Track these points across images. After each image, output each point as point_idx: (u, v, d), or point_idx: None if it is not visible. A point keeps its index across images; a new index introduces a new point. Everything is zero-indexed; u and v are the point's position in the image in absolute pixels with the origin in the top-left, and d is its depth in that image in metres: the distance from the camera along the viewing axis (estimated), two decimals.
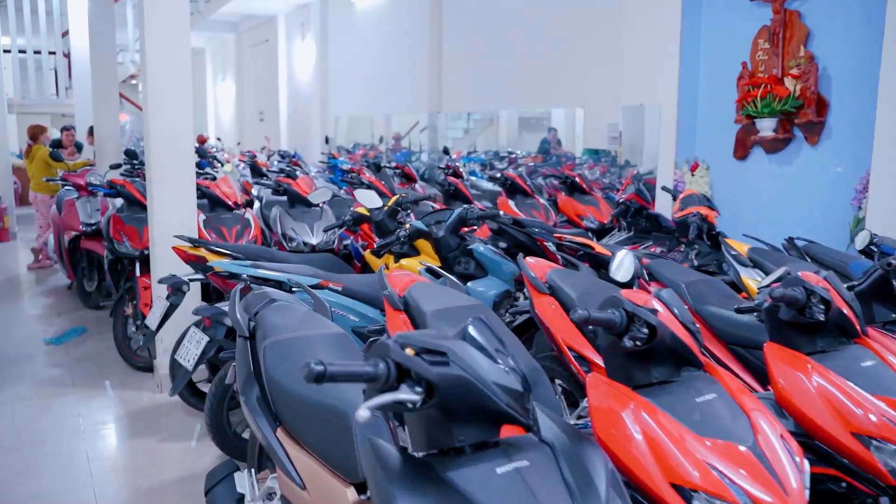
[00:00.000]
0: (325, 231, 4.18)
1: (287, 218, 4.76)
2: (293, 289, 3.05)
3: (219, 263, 3.03)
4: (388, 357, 1.15)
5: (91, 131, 8.84)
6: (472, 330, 1.27)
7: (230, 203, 4.72)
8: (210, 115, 19.80)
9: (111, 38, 7.89)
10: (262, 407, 1.89)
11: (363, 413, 1.10)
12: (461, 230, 3.62)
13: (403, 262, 3.99)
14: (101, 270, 5.97)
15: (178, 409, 3.88)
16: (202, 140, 12.62)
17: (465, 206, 3.62)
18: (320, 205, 4.82)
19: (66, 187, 6.37)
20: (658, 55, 5.70)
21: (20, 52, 13.94)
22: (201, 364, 2.98)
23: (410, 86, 10.27)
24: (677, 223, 4.34)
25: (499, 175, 6.34)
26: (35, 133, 7.96)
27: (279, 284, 3.06)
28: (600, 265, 3.73)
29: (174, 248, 3.54)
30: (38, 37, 13.93)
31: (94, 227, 5.76)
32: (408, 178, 7.39)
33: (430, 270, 3.75)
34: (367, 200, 3.76)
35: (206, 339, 2.93)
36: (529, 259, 2.86)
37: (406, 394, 1.13)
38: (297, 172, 6.80)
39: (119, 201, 5.40)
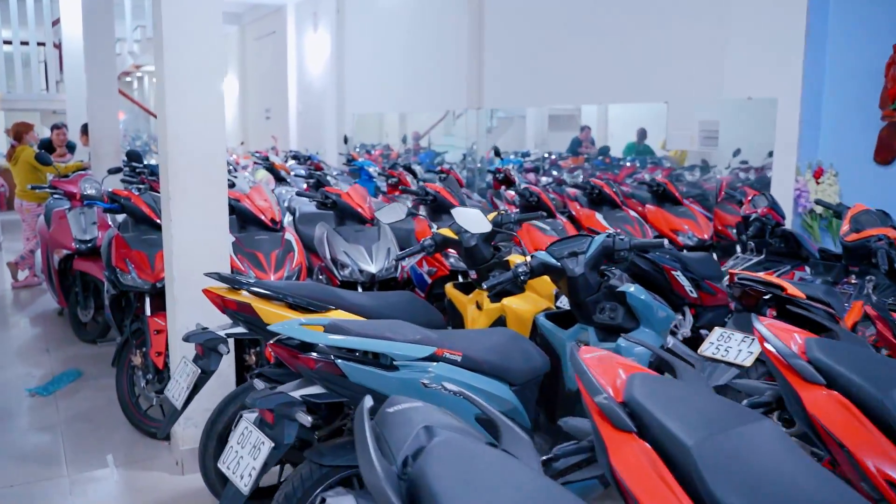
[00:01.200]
0: (398, 259, 3.18)
1: (337, 239, 3.76)
2: (394, 361, 2.05)
3: (285, 329, 1.98)
4: None
5: (85, 130, 7.87)
6: None
7: (266, 220, 3.70)
8: None
9: (109, 25, 6.99)
10: None
11: None
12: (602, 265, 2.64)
13: (505, 301, 2.99)
14: (97, 296, 4.96)
15: (205, 498, 2.87)
16: None
17: (610, 232, 2.62)
18: (378, 222, 3.83)
19: (56, 195, 5.37)
20: (775, 38, 4.70)
21: (6, 42, 12.98)
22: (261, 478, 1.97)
23: (443, 79, 9.26)
24: (850, 248, 3.36)
25: (584, 183, 5.34)
26: (19, 132, 6.94)
27: (374, 356, 2.06)
28: (787, 313, 2.76)
29: (206, 292, 2.52)
30: (26, 27, 12.97)
31: (89, 246, 4.76)
32: None
33: (551, 317, 2.76)
34: (471, 223, 2.75)
35: (270, 444, 1.92)
36: (768, 320, 1.86)
37: None
38: (328, 178, 5.77)
39: (122, 216, 4.38)
